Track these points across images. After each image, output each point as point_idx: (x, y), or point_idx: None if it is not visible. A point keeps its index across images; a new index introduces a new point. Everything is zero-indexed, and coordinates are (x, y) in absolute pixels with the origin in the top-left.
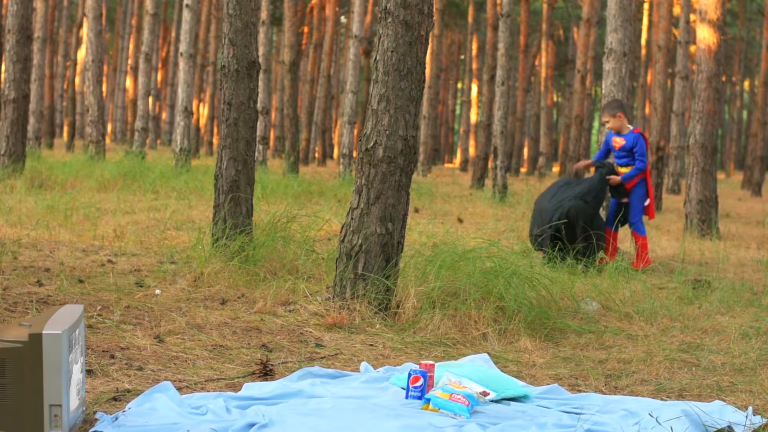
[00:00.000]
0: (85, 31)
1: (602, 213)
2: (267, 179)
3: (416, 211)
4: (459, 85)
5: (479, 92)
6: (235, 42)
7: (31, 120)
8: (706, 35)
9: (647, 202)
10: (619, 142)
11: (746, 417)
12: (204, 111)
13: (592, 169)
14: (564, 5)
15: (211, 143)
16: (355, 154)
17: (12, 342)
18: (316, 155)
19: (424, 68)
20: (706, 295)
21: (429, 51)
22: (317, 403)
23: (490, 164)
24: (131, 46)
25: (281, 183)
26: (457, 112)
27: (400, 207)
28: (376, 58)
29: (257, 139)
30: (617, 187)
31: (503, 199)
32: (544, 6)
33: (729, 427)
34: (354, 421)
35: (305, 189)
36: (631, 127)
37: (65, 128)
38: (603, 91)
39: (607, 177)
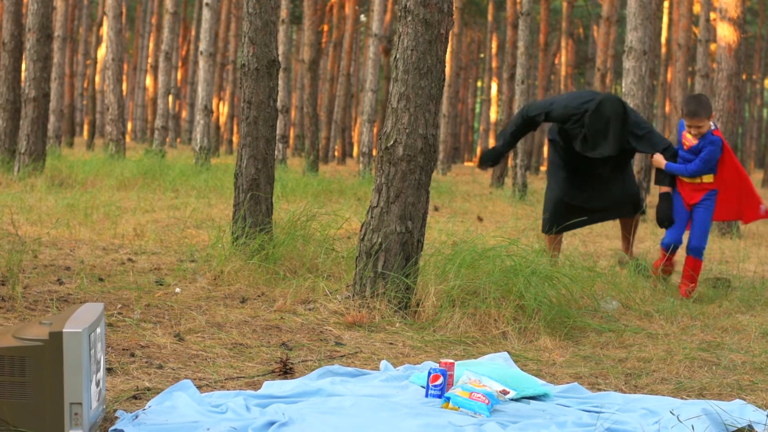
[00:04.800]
0: (105, 30)
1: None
2: (287, 178)
3: (436, 209)
4: (479, 84)
5: (499, 91)
6: (255, 41)
7: (52, 119)
8: (726, 33)
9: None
10: (690, 140)
11: (767, 416)
12: (224, 109)
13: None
14: (584, 3)
15: (231, 142)
16: (374, 152)
17: (32, 340)
18: (336, 154)
19: (444, 66)
20: (726, 294)
21: (449, 49)
22: (337, 401)
23: (509, 163)
24: (151, 45)
25: (301, 181)
26: (477, 110)
27: (420, 205)
28: (396, 57)
29: (277, 137)
30: (664, 175)
31: (523, 197)
32: (564, 4)
33: (749, 426)
34: (374, 419)
35: (325, 187)
36: (713, 126)
37: (85, 127)
38: (623, 90)
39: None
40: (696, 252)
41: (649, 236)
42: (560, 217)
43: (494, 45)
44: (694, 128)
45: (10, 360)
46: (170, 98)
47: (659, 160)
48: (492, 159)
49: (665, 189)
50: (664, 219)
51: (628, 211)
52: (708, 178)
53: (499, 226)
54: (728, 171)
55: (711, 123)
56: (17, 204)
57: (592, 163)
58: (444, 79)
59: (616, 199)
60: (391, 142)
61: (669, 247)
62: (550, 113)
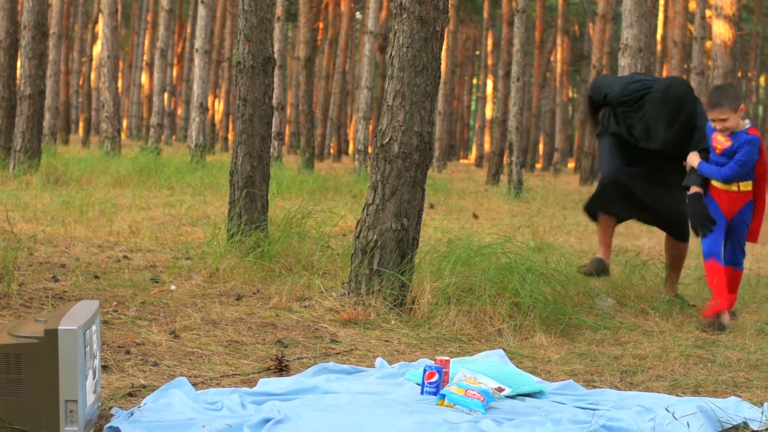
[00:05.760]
0: (100, 27)
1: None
2: (282, 175)
3: (431, 206)
4: (474, 81)
5: (494, 88)
6: (251, 38)
7: (47, 116)
8: (721, 31)
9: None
10: (722, 142)
11: (762, 413)
12: (219, 107)
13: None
14: (579, 1)
15: (226, 139)
16: (370, 149)
17: (28, 338)
18: (332, 151)
19: (440, 64)
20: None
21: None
22: (332, 398)
23: (505, 160)
24: (147, 42)
25: (296, 179)
26: (473, 107)
27: (416, 203)
28: (391, 54)
29: (272, 134)
30: (696, 175)
31: (518, 194)
32: (560, 1)
33: (744, 423)
34: (369, 416)
35: (320, 185)
36: (747, 125)
37: (81, 124)
38: None
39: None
40: (734, 265)
41: (645, 233)
42: (612, 195)
43: (490, 42)
44: (719, 122)
45: (6, 357)
46: (166, 95)
47: (693, 158)
48: (595, 121)
49: (696, 189)
50: (704, 221)
51: (673, 228)
52: (746, 186)
53: (495, 224)
54: (764, 179)
55: (745, 121)
56: (12, 201)
57: (652, 156)
58: (439, 77)
59: (668, 208)
60: (387, 140)
61: (710, 258)
62: (608, 95)
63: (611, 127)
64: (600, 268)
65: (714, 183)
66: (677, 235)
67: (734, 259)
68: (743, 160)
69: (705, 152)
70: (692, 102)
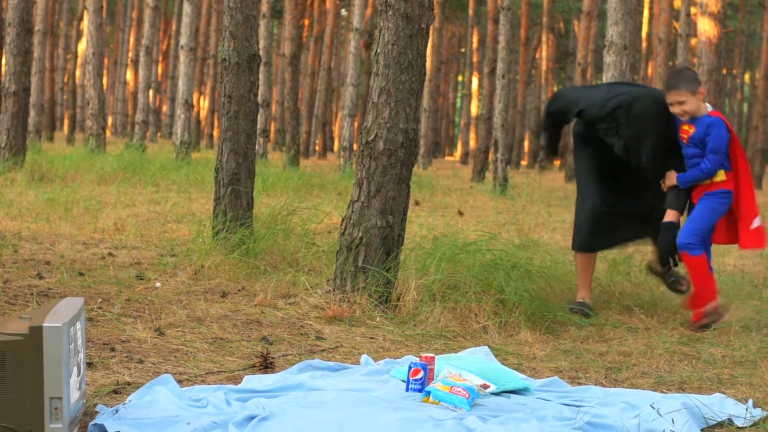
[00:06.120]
0: (85, 24)
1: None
2: (267, 172)
3: (417, 203)
4: (459, 78)
5: (480, 85)
6: (236, 35)
7: (32, 113)
8: (706, 28)
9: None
10: (687, 131)
11: (746, 410)
12: (204, 104)
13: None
14: None
15: (211, 136)
16: (355, 147)
17: (12, 335)
18: (317, 148)
19: (425, 61)
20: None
21: (430, 44)
22: (318, 395)
23: (490, 157)
24: (132, 39)
25: (282, 176)
26: (458, 105)
27: (401, 200)
28: (376, 51)
29: (258, 132)
30: (675, 193)
31: (504, 192)
32: None
33: (729, 419)
34: (354, 413)
35: (306, 182)
36: (709, 108)
37: (66, 121)
38: None
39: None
40: (680, 248)
41: None
42: (596, 230)
43: (475, 39)
44: (677, 105)
45: None
46: (151, 93)
47: (670, 177)
48: (551, 148)
49: (671, 216)
50: (672, 256)
51: (652, 230)
52: (719, 176)
53: (480, 221)
54: (743, 170)
55: (706, 104)
56: None
57: (633, 166)
58: (425, 74)
59: (648, 208)
60: (372, 137)
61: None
62: (586, 111)
63: (589, 137)
64: (586, 312)
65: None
66: (654, 232)
67: (686, 244)
68: (716, 147)
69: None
70: (661, 118)
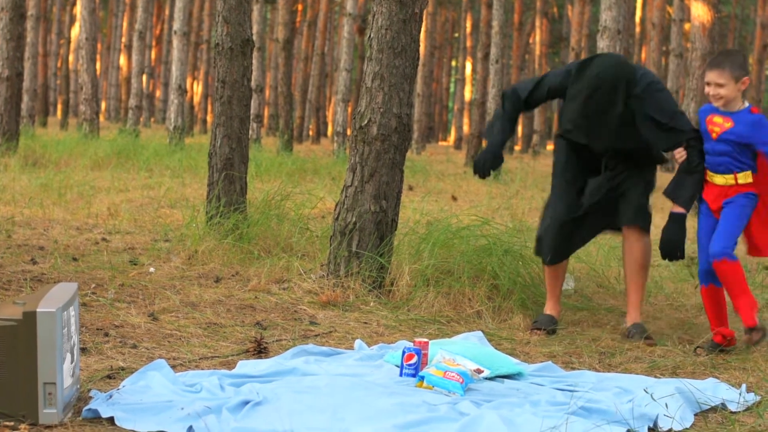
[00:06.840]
0: (78, 9)
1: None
2: (261, 157)
3: (410, 189)
4: (453, 63)
5: (473, 70)
6: (229, 20)
7: (25, 98)
8: (700, 13)
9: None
10: (720, 124)
11: (740, 394)
12: (198, 89)
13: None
14: None
15: (205, 121)
16: (349, 131)
17: (6, 320)
18: (310, 133)
19: (418, 46)
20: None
21: (423, 29)
22: (311, 380)
23: (484, 142)
24: (125, 24)
25: (275, 161)
26: (452, 90)
27: (394, 185)
28: (370, 36)
29: (251, 117)
30: (683, 186)
31: (497, 176)
32: None
33: (722, 404)
34: (348, 398)
35: (299, 167)
36: (746, 104)
37: (59, 106)
38: None
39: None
40: (718, 255)
41: None
42: (560, 241)
43: (469, 24)
44: (713, 86)
45: None
46: (144, 78)
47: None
48: (492, 161)
49: (679, 209)
50: (674, 252)
51: (633, 215)
52: (744, 177)
53: (474, 206)
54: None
55: (745, 101)
56: None
57: (601, 163)
58: (418, 59)
59: (609, 202)
60: (366, 122)
61: (707, 279)
62: (551, 88)
63: (569, 149)
64: (552, 327)
65: (709, 178)
66: (639, 221)
67: (715, 252)
68: None
69: (692, 148)
70: (631, 86)
